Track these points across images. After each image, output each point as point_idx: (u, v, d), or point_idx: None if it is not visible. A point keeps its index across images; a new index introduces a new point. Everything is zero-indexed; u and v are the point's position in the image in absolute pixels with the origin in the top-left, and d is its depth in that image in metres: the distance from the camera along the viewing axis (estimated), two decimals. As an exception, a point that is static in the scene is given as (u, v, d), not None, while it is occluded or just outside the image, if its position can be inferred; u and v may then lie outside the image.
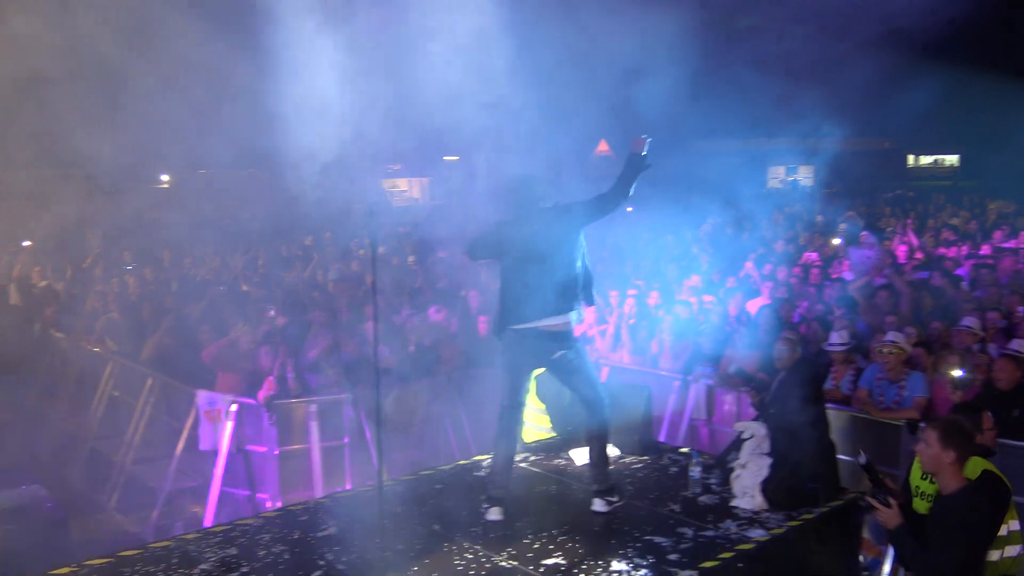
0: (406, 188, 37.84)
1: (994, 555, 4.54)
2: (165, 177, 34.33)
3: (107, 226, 18.45)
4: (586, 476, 5.39)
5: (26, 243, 13.79)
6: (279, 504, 7.05)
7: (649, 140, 4.95)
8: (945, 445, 4.12)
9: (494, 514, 5.01)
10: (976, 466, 4.56)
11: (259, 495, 7.44)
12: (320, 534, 4.83)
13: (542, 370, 5.51)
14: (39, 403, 10.31)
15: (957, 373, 6.68)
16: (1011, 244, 14.03)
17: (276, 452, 7.43)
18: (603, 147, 35.41)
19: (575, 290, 4.99)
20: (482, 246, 5.29)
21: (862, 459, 4.28)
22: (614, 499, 5.13)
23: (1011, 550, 4.56)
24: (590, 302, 5.22)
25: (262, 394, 7.43)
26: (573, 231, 5.00)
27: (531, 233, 4.94)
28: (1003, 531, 4.53)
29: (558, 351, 5.00)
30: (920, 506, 4.86)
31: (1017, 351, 6.67)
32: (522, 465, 5.92)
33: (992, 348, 7.50)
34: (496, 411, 5.25)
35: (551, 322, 4.94)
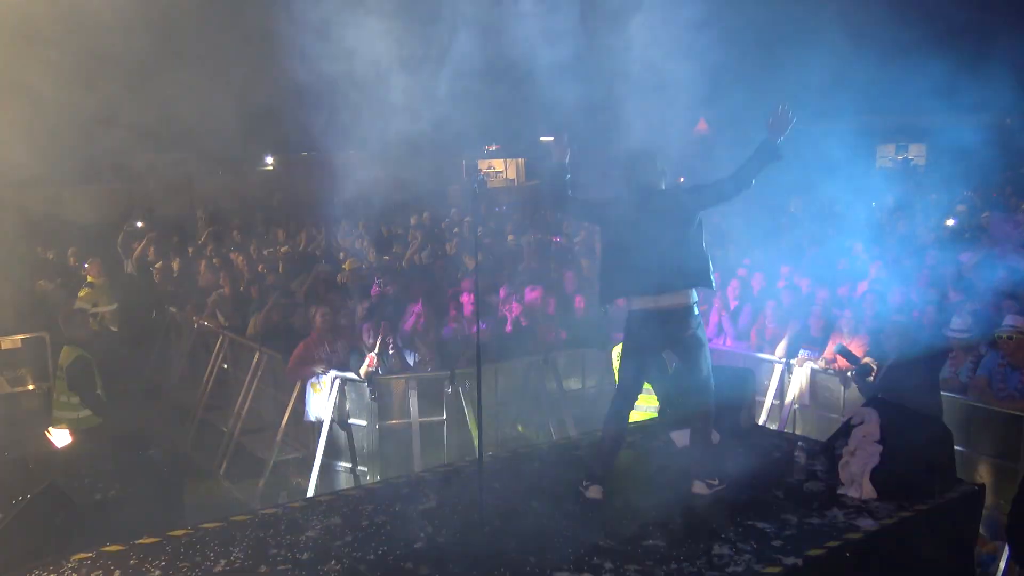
0: (502, 169, 38.01)
1: None
2: (270, 159, 35.54)
3: (216, 206, 19.27)
4: (688, 458, 5.31)
5: (140, 224, 14.48)
6: (379, 477, 7.22)
7: (793, 122, 4.79)
8: None
9: (594, 492, 4.99)
10: None
11: (361, 468, 7.63)
12: (421, 507, 4.91)
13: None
14: (155, 375, 10.85)
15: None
16: None
17: (376, 426, 7.60)
18: (702, 126, 34.72)
19: (695, 269, 4.93)
20: (582, 207, 5.29)
21: None
22: (715, 483, 5.03)
23: None
24: (708, 285, 5.06)
25: (363, 369, 7.60)
26: (692, 212, 4.93)
27: (651, 210, 4.90)
28: None
29: (688, 330, 4.95)
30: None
31: None
32: (625, 448, 5.85)
33: None
34: (610, 391, 5.28)
35: (673, 300, 4.89)
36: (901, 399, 5.33)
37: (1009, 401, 6.44)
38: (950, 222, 13.54)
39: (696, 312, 5.00)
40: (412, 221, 16.84)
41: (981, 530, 5.39)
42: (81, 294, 9.94)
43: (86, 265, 11.10)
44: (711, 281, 5.00)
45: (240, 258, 12.57)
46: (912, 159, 29.32)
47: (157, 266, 12.68)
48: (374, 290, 9.57)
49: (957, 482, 5.00)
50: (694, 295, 4.98)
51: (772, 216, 14.77)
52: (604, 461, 5.10)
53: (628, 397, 5.16)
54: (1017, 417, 6.24)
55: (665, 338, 5.08)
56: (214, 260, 12.40)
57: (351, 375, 7.62)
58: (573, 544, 4.39)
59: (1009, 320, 6.82)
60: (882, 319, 7.04)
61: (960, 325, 6.98)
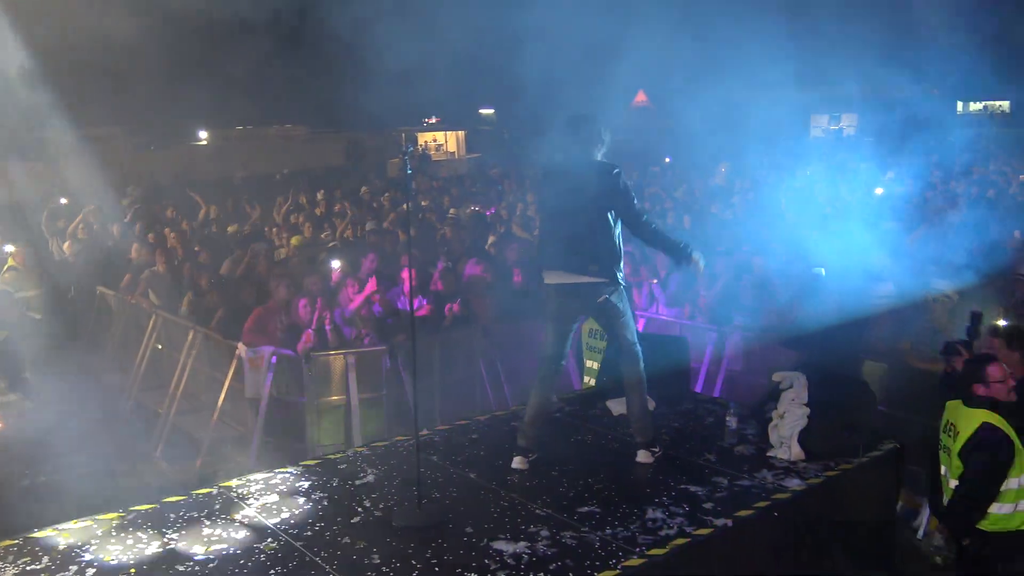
0: (443, 142, 37.80)
1: (1007, 507, 4.49)
2: (204, 134, 34.74)
3: (148, 182, 18.76)
4: (627, 426, 5.40)
5: (63, 200, 14.00)
6: (318, 454, 7.18)
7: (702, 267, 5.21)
8: None
9: (517, 463, 5.05)
10: (977, 418, 4.49)
11: (298, 445, 7.57)
12: (359, 482, 4.91)
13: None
14: (86, 357, 10.56)
15: (1001, 323, 6.53)
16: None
17: (316, 403, 7.54)
18: (641, 97, 34.97)
19: (606, 259, 4.96)
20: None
21: None
22: (656, 449, 5.14)
23: None
24: (616, 282, 5.05)
25: (300, 346, 7.52)
26: (615, 198, 4.96)
27: (583, 182, 4.91)
28: (1015, 484, 4.47)
29: (602, 295, 4.98)
30: (943, 460, 4.82)
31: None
32: (558, 415, 5.93)
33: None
34: (535, 361, 5.28)
35: (593, 278, 4.95)
36: (829, 362, 5.49)
37: (932, 362, 6.66)
38: (879, 191, 13.89)
39: (616, 279, 5.01)
40: (363, 193, 16.62)
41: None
42: (4, 278, 9.61)
43: (8, 248, 10.69)
44: (617, 275, 5.00)
45: (173, 235, 12.26)
46: (844, 128, 30.00)
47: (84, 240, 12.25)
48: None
49: (879, 441, 5.17)
50: (618, 271, 5.01)
51: (704, 184, 14.98)
52: (529, 432, 5.13)
53: (551, 365, 5.19)
54: (935, 374, 6.47)
55: (581, 307, 5.15)
56: (148, 237, 12.08)
57: (288, 352, 7.53)
58: (511, 513, 4.45)
59: (934, 284, 7.05)
60: (810, 285, 7.22)
61: (885, 289, 7.20)
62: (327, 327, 7.67)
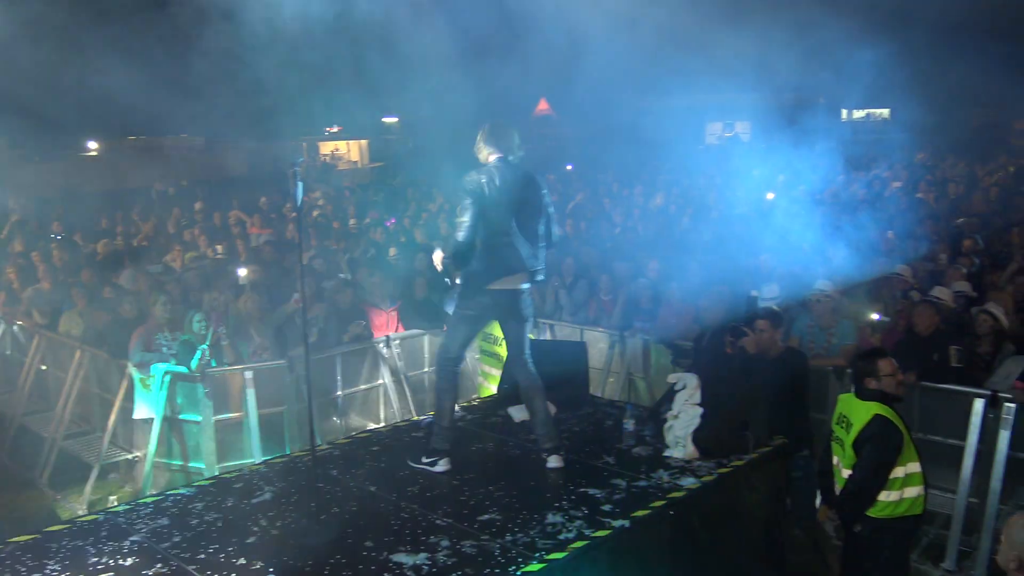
0: (345, 151, 37.30)
1: (894, 495, 4.75)
2: (93, 145, 33.32)
3: (32, 194, 17.87)
4: (528, 433, 5.46)
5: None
6: (215, 473, 6.98)
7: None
8: None
9: (442, 466, 5.06)
10: (869, 410, 4.75)
11: (195, 465, 7.34)
12: (255, 500, 4.79)
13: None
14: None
15: (874, 317, 6.88)
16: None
17: (212, 421, 7.33)
18: (543, 105, 35.37)
19: (541, 250, 5.09)
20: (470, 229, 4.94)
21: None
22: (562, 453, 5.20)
23: (911, 491, 4.78)
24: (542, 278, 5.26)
25: (196, 363, 7.30)
26: (546, 204, 5.10)
27: (526, 189, 4.99)
28: (900, 473, 4.73)
29: (519, 298, 5.08)
30: (836, 451, 5.05)
31: (937, 298, 6.88)
32: (460, 424, 5.93)
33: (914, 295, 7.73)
34: (440, 365, 5.28)
35: (526, 283, 5.05)
36: (719, 363, 5.67)
37: (817, 358, 6.97)
38: (771, 195, 14.41)
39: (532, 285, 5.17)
40: (262, 203, 16.24)
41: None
42: None
43: None
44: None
45: (57, 252, 11.72)
46: (739, 135, 31.04)
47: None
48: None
49: (770, 437, 5.36)
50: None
51: (608, 193, 15.26)
52: (448, 435, 5.15)
53: (455, 366, 5.26)
54: (825, 372, 6.77)
55: (502, 312, 5.17)
56: (32, 254, 11.50)
57: (182, 369, 7.30)
58: (411, 525, 4.41)
59: (819, 284, 7.37)
60: (704, 288, 7.43)
61: (771, 292, 7.48)
62: (222, 342, 7.48)
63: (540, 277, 5.13)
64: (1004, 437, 6.12)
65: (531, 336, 5.32)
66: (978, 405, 6.22)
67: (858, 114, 32.98)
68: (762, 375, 5.43)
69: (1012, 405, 6.09)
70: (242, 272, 9.14)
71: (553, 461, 5.12)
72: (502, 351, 7.03)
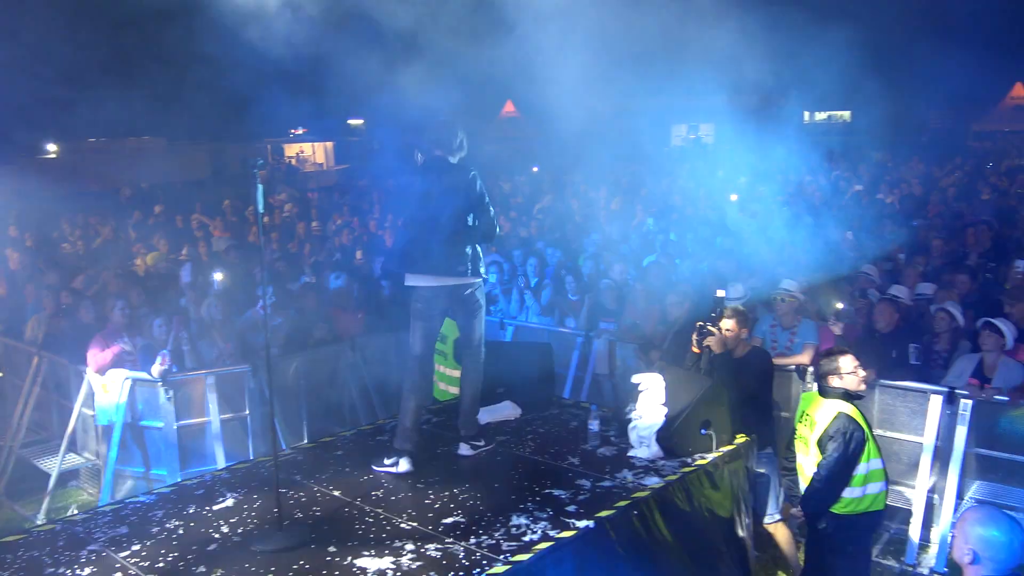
0: (310, 153, 37.02)
1: (857, 491, 4.82)
2: (52, 147, 32.72)
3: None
4: (494, 435, 5.48)
5: None
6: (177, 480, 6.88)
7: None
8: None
9: (404, 465, 5.07)
10: (833, 408, 4.82)
11: (156, 472, 7.23)
12: (216, 507, 4.73)
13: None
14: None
15: (840, 306, 6.97)
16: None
17: (174, 427, 7.22)
18: (509, 107, 35.43)
19: (471, 257, 5.20)
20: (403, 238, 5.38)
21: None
22: (480, 443, 5.35)
23: (873, 487, 4.85)
24: (479, 275, 5.33)
25: (156, 369, 7.19)
26: (473, 200, 5.14)
27: (446, 186, 5.07)
28: (863, 469, 4.80)
29: (467, 289, 5.24)
30: (800, 448, 5.12)
31: (895, 295, 6.99)
32: (424, 427, 5.90)
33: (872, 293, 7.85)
34: (406, 365, 5.35)
35: (463, 280, 5.18)
36: (683, 362, 5.70)
37: (779, 357, 7.04)
38: (734, 197, 14.55)
39: (474, 278, 5.25)
40: (225, 205, 16.04)
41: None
42: None
43: None
44: (480, 272, 5.28)
45: (15, 255, 11.49)
46: (703, 137, 31.32)
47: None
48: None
49: (734, 435, 5.40)
50: (481, 268, 5.28)
51: (575, 195, 15.30)
52: (412, 436, 5.17)
53: (424, 365, 5.33)
54: (788, 372, 6.85)
55: (448, 307, 5.32)
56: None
57: (143, 375, 7.18)
58: (375, 529, 4.39)
59: (783, 284, 7.44)
60: (669, 288, 7.49)
61: (736, 292, 7.54)
62: (184, 347, 7.38)
63: (469, 274, 5.19)
64: (961, 433, 6.24)
65: (482, 333, 5.42)
66: (936, 402, 6.33)
67: (820, 116, 33.44)
68: (728, 374, 5.48)
69: (969, 401, 6.21)
70: (218, 276, 9.05)
71: (464, 449, 5.33)
72: (448, 348, 7.06)
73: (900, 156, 21.41)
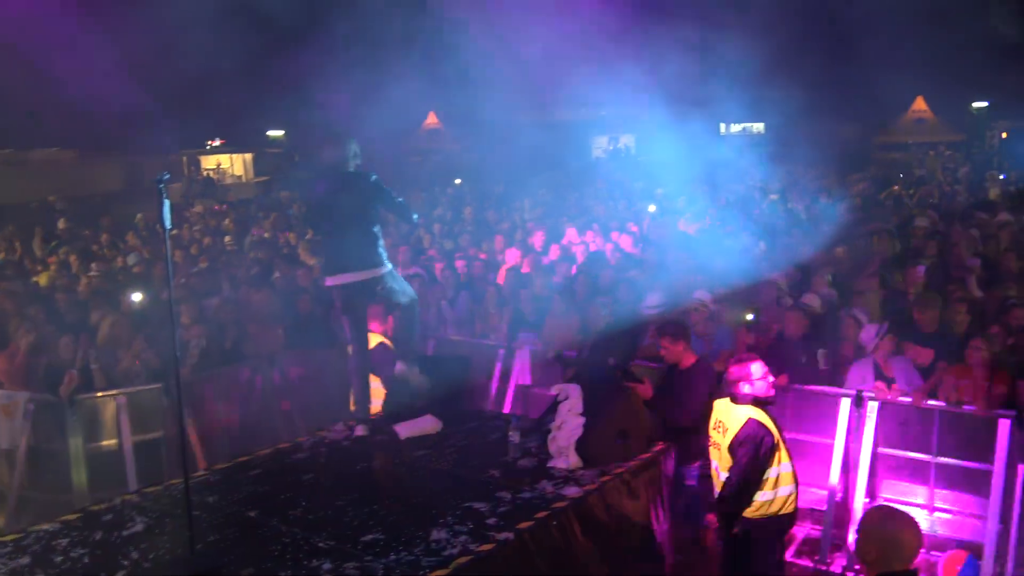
0: (228, 165, 36.19)
1: (768, 494, 4.97)
2: (-49, 159, 31.19)
3: None
4: (414, 450, 5.52)
5: None
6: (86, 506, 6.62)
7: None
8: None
9: (361, 431, 5.81)
10: (744, 414, 4.97)
11: (64, 498, 6.94)
12: (126, 532, 4.57)
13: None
14: None
15: (749, 316, 7.18)
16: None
17: (82, 451, 6.95)
18: (432, 119, 35.36)
19: (370, 251, 5.75)
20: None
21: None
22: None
23: (783, 490, 5.01)
24: (381, 264, 5.85)
25: (63, 389, 6.92)
26: (372, 202, 5.73)
27: (343, 193, 5.66)
28: (773, 473, 4.96)
29: (379, 284, 5.83)
30: (713, 455, 5.24)
31: (806, 304, 7.23)
32: (345, 444, 5.84)
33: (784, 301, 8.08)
34: (341, 394, 6.12)
35: (369, 274, 5.74)
36: (600, 372, 5.78)
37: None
38: (652, 208, 14.83)
39: (380, 267, 5.78)
40: (138, 219, 15.57)
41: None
42: None
43: None
44: (383, 261, 5.81)
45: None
46: (623, 148, 31.85)
47: None
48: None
49: (649, 443, 5.49)
50: (387, 263, 5.86)
51: (493, 206, 15.35)
52: (364, 409, 5.95)
53: (364, 353, 5.99)
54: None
55: (365, 298, 5.91)
56: None
57: (48, 396, 6.91)
58: (292, 549, 4.31)
59: (696, 294, 7.62)
60: (588, 300, 7.58)
61: (654, 301, 7.68)
62: (92, 365, 7.12)
63: (378, 265, 5.74)
64: (869, 434, 6.49)
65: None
66: (844, 404, 6.56)
67: (735, 128, 34.41)
68: (681, 386, 5.62)
69: (875, 403, 6.46)
70: (136, 297, 8.86)
71: (360, 430, 5.86)
72: None
73: (811, 166, 22.18)
